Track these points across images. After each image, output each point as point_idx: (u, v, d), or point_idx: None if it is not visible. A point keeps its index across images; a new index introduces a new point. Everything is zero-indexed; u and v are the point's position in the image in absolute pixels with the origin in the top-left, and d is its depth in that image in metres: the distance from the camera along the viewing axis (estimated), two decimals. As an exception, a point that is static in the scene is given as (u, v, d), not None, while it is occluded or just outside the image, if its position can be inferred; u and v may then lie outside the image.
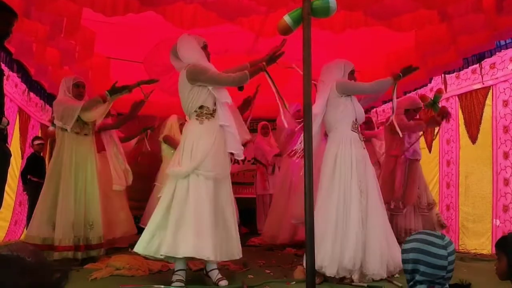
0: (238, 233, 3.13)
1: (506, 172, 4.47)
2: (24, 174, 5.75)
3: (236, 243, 3.07)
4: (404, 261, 1.64)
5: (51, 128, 5.11)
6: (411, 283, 1.61)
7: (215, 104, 3.13)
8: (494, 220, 4.62)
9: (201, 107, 3.09)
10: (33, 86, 5.41)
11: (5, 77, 4.41)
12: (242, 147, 3.20)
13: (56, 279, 0.76)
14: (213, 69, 3.12)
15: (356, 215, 3.14)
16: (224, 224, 3.03)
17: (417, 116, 4.70)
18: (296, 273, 3.28)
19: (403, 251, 1.65)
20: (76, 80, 4.01)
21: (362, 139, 3.43)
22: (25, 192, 5.85)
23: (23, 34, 3.75)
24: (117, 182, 4.77)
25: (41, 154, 6.03)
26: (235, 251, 3.06)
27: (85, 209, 3.86)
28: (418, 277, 1.58)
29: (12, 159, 2.80)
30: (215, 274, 3.02)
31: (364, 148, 3.41)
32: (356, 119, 3.39)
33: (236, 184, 7.44)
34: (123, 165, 4.92)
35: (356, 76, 3.56)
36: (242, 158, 3.23)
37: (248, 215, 8.13)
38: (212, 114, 3.11)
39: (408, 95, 5.29)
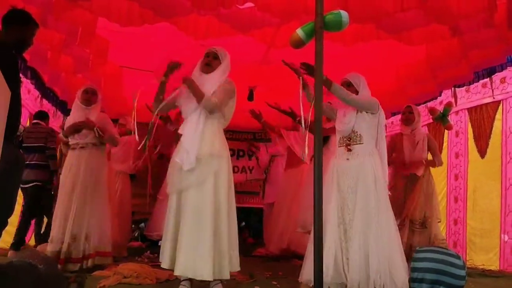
0: (223, 245, 2.92)
1: (516, 187, 4.46)
2: None
3: (208, 261, 2.82)
4: (416, 280, 1.64)
5: (61, 135, 5.16)
6: None
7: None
8: (502, 235, 4.59)
9: None
10: (46, 93, 5.48)
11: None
12: (190, 158, 2.95)
13: None
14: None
15: (331, 231, 3.07)
16: (193, 240, 2.87)
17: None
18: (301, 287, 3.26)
19: (416, 270, 1.65)
20: (86, 87, 4.09)
21: (347, 151, 3.27)
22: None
23: (39, 42, 3.80)
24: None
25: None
26: (202, 270, 2.82)
27: (89, 220, 3.94)
28: None
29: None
30: (213, 284, 2.95)
31: (348, 159, 3.24)
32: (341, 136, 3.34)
33: (243, 193, 7.46)
34: None
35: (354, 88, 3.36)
36: (186, 168, 2.95)
37: (256, 225, 8.13)
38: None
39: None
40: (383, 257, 2.93)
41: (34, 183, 5.03)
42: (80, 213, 3.88)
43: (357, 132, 3.28)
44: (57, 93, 5.56)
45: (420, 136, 4.42)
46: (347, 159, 3.25)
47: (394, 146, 4.48)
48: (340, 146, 3.32)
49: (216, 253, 2.86)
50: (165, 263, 2.97)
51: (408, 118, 4.43)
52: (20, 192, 5.50)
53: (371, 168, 3.21)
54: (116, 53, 4.31)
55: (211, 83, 3.12)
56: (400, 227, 4.15)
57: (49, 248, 3.82)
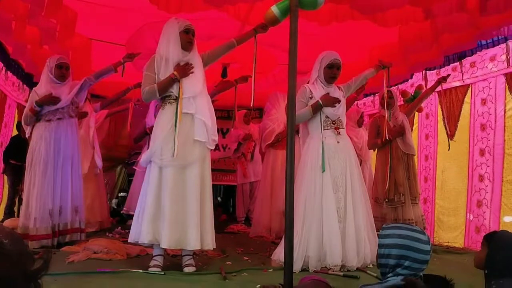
0: (204, 224, 3.03)
1: (482, 169, 4.60)
2: (5, 155, 5.63)
3: (194, 233, 2.93)
4: (383, 256, 1.69)
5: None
6: (390, 275, 1.66)
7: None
8: (468, 214, 4.76)
9: (166, 95, 3.10)
10: (11, 65, 5.26)
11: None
12: (215, 137, 3.13)
13: (37, 268, 0.71)
14: (149, 80, 3.11)
15: (332, 209, 3.24)
16: (183, 214, 2.96)
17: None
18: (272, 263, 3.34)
19: (382, 246, 1.70)
20: (59, 61, 3.95)
21: (337, 133, 3.46)
22: (4, 174, 5.73)
23: (3, 11, 3.63)
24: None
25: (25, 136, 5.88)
26: (191, 241, 2.93)
27: (62, 195, 3.86)
28: (400, 271, 1.64)
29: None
30: (185, 260, 3.03)
31: (338, 142, 3.43)
32: (326, 117, 3.44)
33: (217, 171, 7.46)
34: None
35: (336, 71, 3.50)
36: (212, 148, 3.15)
37: (228, 202, 8.19)
38: (175, 100, 3.07)
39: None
40: (370, 232, 3.35)
41: None
42: (62, 187, 3.86)
43: (340, 118, 3.52)
44: (22, 66, 5.35)
45: (401, 117, 4.64)
46: (338, 142, 3.43)
47: (378, 129, 4.59)
48: (327, 129, 3.43)
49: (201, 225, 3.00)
50: (144, 238, 2.94)
51: (389, 103, 4.60)
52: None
53: (353, 150, 3.57)
54: (85, 25, 4.16)
55: (197, 61, 3.18)
56: (401, 204, 4.36)
57: (26, 223, 3.73)
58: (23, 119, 3.96)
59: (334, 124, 3.47)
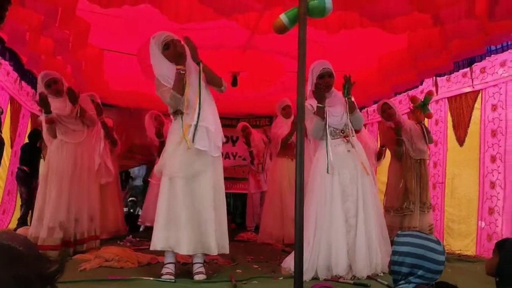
0: (220, 229, 3.10)
1: (493, 175, 4.56)
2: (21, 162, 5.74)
3: (212, 238, 3.01)
4: (397, 263, 1.68)
5: (41, 118, 5.08)
6: (402, 282, 1.66)
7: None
8: (479, 222, 4.71)
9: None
10: (25, 75, 5.36)
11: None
12: (219, 143, 3.15)
13: (53, 271, 0.72)
14: (162, 86, 3.13)
15: (339, 219, 3.23)
16: (199, 220, 3.02)
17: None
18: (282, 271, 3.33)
19: (396, 253, 1.69)
20: (45, 80, 4.04)
21: (346, 142, 3.46)
22: (17, 182, 5.80)
23: (17, 23, 3.71)
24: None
25: (38, 145, 5.96)
26: (211, 246, 3.00)
27: (78, 205, 3.97)
28: (413, 279, 1.64)
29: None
30: (196, 267, 3.06)
31: (349, 151, 3.43)
32: (334, 127, 3.45)
33: (228, 179, 7.46)
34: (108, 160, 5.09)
35: (328, 79, 3.49)
36: (216, 155, 3.14)
37: (236, 212, 8.17)
38: (182, 111, 3.11)
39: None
40: (382, 241, 3.33)
41: None
42: (79, 197, 3.96)
43: (348, 125, 3.49)
44: (36, 76, 5.44)
45: (407, 123, 4.74)
46: (348, 150, 3.42)
47: (388, 139, 4.72)
48: (336, 138, 3.42)
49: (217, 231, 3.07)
50: (156, 245, 3.00)
51: (390, 114, 4.70)
52: (2, 175, 5.45)
53: (365, 158, 3.53)
54: (97, 35, 4.23)
55: (193, 69, 3.17)
56: (410, 212, 4.36)
57: (37, 233, 3.78)
58: (45, 133, 4.06)
59: (342, 132, 3.47)
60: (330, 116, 3.43)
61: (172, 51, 3.10)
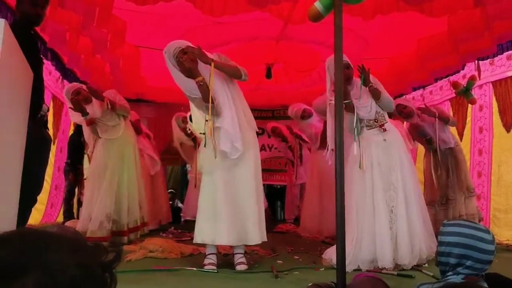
0: (259, 219, 3.13)
1: (542, 162, 4.35)
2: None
3: (253, 229, 3.07)
4: (444, 254, 1.63)
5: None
6: (450, 273, 1.61)
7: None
8: (528, 210, 4.51)
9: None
10: (67, 74, 5.54)
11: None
12: (236, 144, 3.08)
13: (111, 259, 0.75)
14: (193, 99, 3.23)
15: (382, 211, 3.17)
16: (239, 211, 3.08)
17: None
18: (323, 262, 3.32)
19: (443, 244, 1.64)
20: (71, 97, 4.19)
21: (383, 131, 3.40)
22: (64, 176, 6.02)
23: (57, 23, 3.84)
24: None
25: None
26: (251, 237, 3.08)
27: (129, 197, 4.22)
28: (461, 270, 1.58)
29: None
30: (237, 258, 3.10)
31: (385, 140, 3.37)
32: (367, 120, 3.39)
33: (265, 171, 7.50)
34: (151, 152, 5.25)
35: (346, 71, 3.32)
36: (235, 157, 3.10)
37: (274, 202, 8.19)
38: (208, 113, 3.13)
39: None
40: (424, 227, 3.29)
41: None
42: (129, 189, 4.21)
43: (379, 112, 3.42)
44: (77, 74, 5.62)
45: (425, 119, 4.69)
46: (384, 139, 3.35)
47: (419, 132, 4.69)
48: (371, 128, 3.38)
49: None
50: (199, 237, 3.09)
51: (408, 113, 4.61)
52: (49, 171, 5.68)
53: (403, 144, 3.46)
54: (133, 33, 4.31)
55: (206, 74, 3.18)
56: (452, 204, 4.30)
57: (84, 226, 3.96)
58: (88, 136, 4.39)
59: (377, 122, 3.40)
60: (360, 109, 3.36)
61: (182, 70, 3.13)
